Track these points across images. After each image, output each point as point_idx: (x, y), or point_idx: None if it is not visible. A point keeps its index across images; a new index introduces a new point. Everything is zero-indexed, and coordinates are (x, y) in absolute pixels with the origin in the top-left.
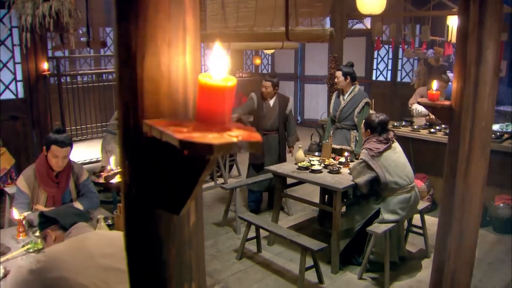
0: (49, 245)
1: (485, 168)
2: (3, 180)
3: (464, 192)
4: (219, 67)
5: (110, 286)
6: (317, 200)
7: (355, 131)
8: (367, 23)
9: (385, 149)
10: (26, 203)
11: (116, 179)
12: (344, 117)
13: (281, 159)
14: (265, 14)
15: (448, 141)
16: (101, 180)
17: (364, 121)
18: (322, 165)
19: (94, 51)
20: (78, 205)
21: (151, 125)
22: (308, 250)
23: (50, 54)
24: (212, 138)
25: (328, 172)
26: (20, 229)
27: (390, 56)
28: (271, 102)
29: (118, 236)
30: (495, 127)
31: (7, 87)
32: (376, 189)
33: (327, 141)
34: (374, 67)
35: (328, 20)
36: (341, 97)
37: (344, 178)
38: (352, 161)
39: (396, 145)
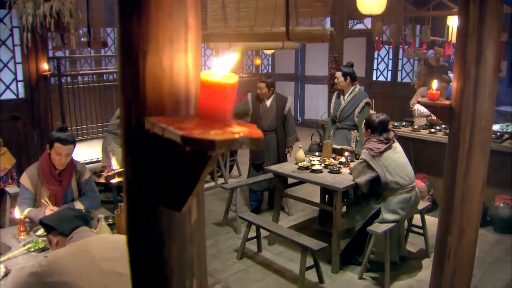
0: (53, 249)
1: (485, 167)
2: (4, 180)
3: (464, 191)
4: (223, 65)
5: None
6: (317, 200)
7: (355, 131)
8: (368, 23)
9: (386, 149)
10: (30, 199)
11: (117, 179)
12: (345, 117)
13: (280, 159)
14: (266, 14)
15: (448, 140)
16: (102, 180)
17: (364, 121)
18: (323, 165)
19: (95, 51)
20: (79, 204)
21: (153, 122)
22: (309, 250)
23: (50, 54)
24: (214, 134)
25: (328, 172)
26: (21, 228)
27: (391, 57)
28: (268, 102)
29: (121, 240)
30: (495, 127)
31: (8, 87)
32: (377, 189)
33: (328, 141)
34: (375, 67)
35: (328, 20)
36: (341, 97)
37: (344, 178)
38: (352, 161)
39: (396, 145)
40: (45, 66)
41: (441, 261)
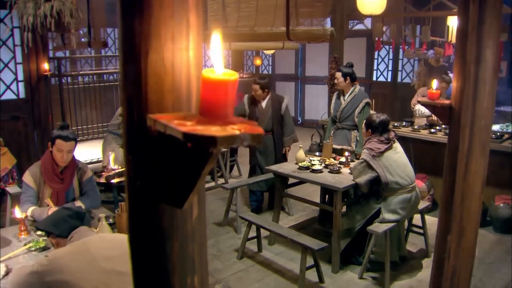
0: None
1: (484, 166)
2: (5, 179)
3: (463, 190)
4: (219, 61)
5: None
6: (317, 200)
7: (355, 131)
8: (368, 23)
9: (386, 149)
10: (34, 196)
11: (117, 179)
12: (345, 117)
13: (278, 159)
14: (266, 14)
15: (448, 140)
16: (103, 180)
17: (365, 121)
18: (323, 165)
19: (95, 52)
20: (79, 203)
21: (155, 119)
22: (309, 250)
23: (51, 54)
24: (215, 130)
25: (328, 172)
26: (22, 228)
27: (391, 57)
28: (264, 103)
29: (121, 239)
30: (496, 127)
31: (8, 87)
32: (377, 189)
33: (328, 141)
34: (375, 67)
35: (328, 20)
36: (341, 97)
37: (344, 178)
38: (352, 161)
39: (397, 145)
40: (45, 66)
41: (441, 260)
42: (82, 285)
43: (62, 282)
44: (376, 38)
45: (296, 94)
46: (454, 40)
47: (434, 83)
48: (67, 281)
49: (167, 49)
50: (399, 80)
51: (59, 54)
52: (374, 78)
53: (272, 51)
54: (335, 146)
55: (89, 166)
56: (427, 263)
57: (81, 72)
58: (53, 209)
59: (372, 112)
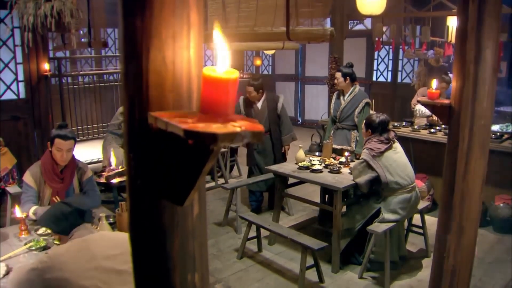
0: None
1: (484, 166)
2: (5, 179)
3: (463, 190)
4: (225, 58)
5: None
6: (317, 199)
7: (355, 131)
8: (368, 24)
9: (386, 149)
10: (34, 196)
11: (117, 179)
12: (345, 118)
13: (277, 159)
14: (266, 14)
15: (447, 139)
16: (103, 180)
17: (365, 121)
18: (323, 165)
19: (95, 52)
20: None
21: (156, 116)
22: (309, 250)
23: (51, 54)
24: (216, 128)
25: (328, 171)
26: (22, 227)
27: (391, 57)
28: (259, 104)
29: (121, 238)
30: (495, 127)
31: (8, 87)
32: (377, 189)
33: (328, 141)
34: (375, 68)
35: (328, 20)
36: (341, 97)
37: (344, 178)
38: (352, 161)
39: (397, 145)
40: (46, 66)
41: (441, 260)
42: (81, 283)
43: (62, 279)
44: (376, 38)
45: (296, 94)
46: (453, 40)
47: (434, 83)
48: (66, 278)
49: (168, 48)
50: (399, 80)
51: (59, 54)
52: (374, 78)
53: (272, 51)
54: (335, 146)
55: (89, 166)
56: (427, 263)
57: (81, 72)
58: None
59: (372, 112)
